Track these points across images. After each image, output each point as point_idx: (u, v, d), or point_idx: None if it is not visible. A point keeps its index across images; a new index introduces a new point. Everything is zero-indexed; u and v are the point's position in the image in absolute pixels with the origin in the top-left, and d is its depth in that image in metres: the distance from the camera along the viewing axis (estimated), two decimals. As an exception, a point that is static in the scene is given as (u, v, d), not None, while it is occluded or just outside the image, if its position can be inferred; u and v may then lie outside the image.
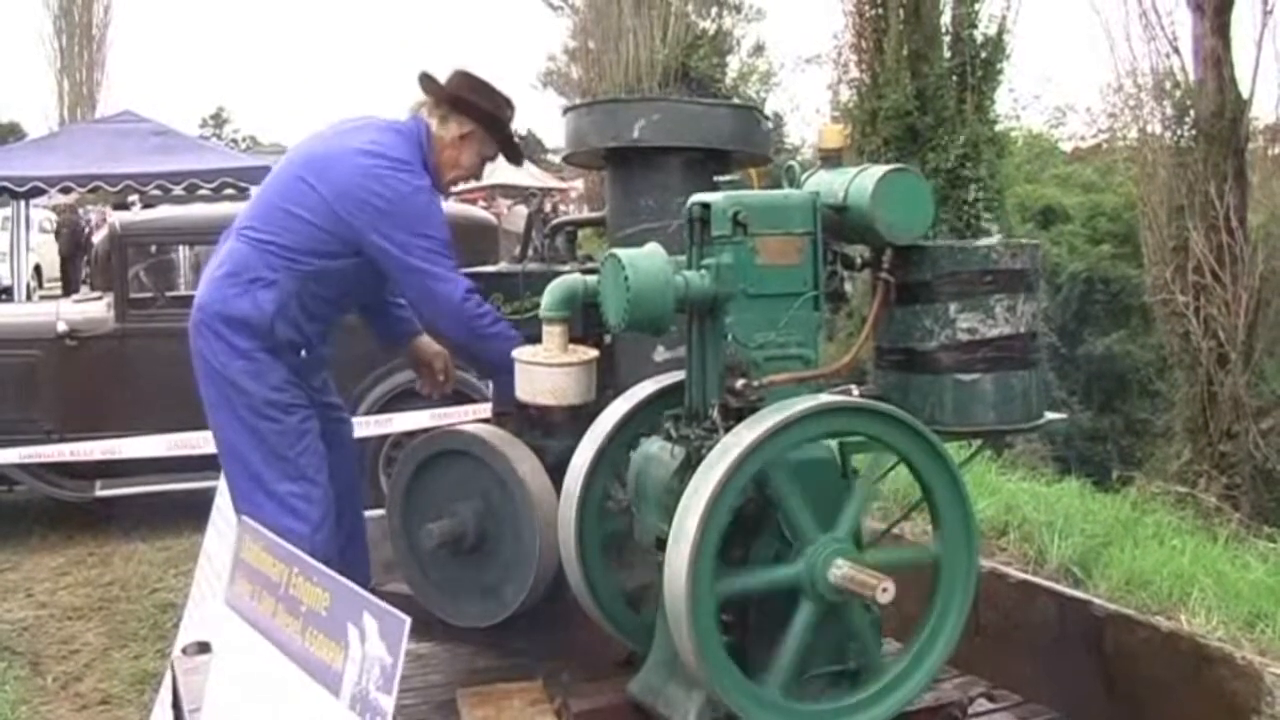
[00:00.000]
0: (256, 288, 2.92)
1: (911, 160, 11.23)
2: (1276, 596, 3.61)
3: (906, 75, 12.20)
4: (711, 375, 2.31)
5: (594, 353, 2.68)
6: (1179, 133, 11.17)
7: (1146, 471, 10.84)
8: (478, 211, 8.22)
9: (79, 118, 26.16)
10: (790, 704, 2.16)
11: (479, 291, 2.93)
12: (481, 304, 2.90)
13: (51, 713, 4.31)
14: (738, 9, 28.41)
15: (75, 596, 5.50)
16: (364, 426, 5.39)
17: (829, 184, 2.42)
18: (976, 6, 12.62)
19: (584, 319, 2.72)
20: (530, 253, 3.18)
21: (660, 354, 2.90)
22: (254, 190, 3.89)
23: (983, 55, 12.47)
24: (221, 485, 3.34)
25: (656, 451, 2.41)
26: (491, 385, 3.15)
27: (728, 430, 2.17)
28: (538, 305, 2.68)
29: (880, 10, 12.58)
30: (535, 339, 2.69)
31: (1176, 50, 11.29)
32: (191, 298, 3.06)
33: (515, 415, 2.93)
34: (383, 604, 1.60)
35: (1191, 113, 10.99)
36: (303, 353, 3.04)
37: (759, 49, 29.06)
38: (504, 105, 3.13)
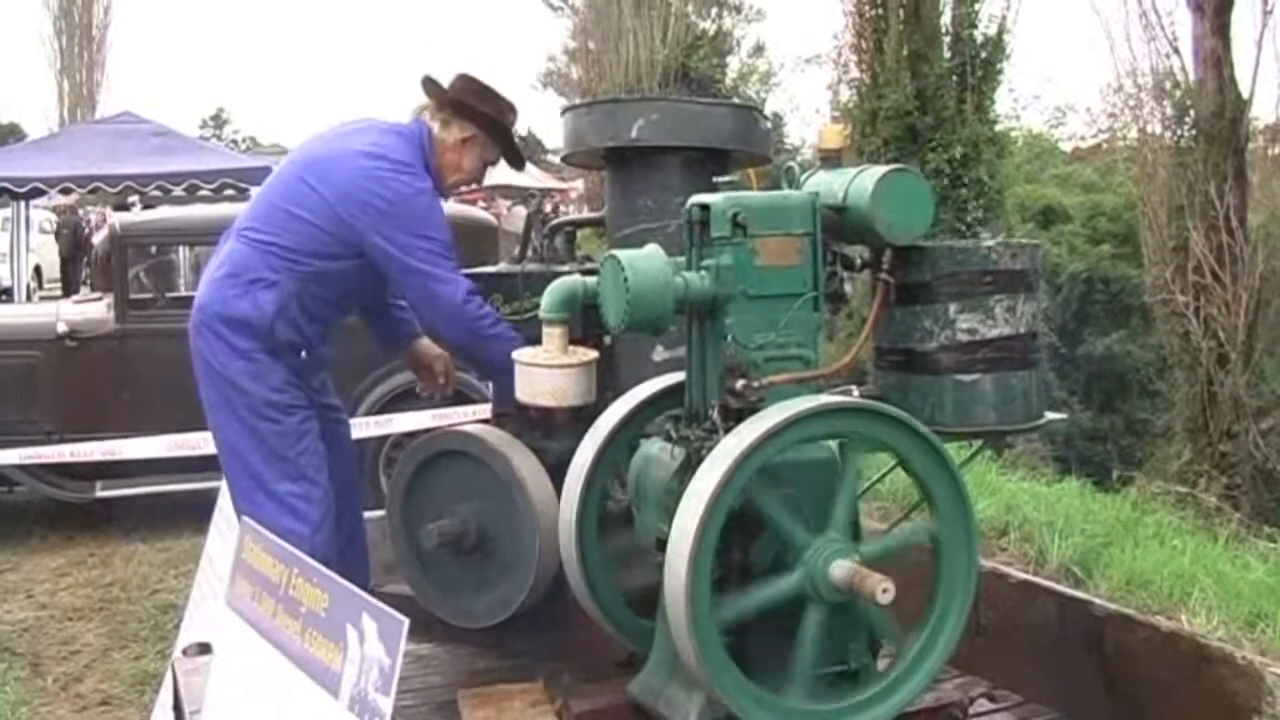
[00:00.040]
0: (257, 288, 2.92)
1: (911, 160, 11.22)
2: (1277, 596, 3.62)
3: (906, 75, 12.20)
4: (711, 376, 2.31)
5: (594, 354, 2.68)
6: (1179, 133, 11.18)
7: (1147, 471, 10.84)
8: (478, 212, 8.22)
9: (79, 118, 26.17)
10: (791, 704, 2.16)
11: (479, 293, 2.93)
12: (482, 306, 2.90)
13: (52, 714, 4.31)
14: (738, 9, 28.43)
15: (76, 597, 5.50)
16: (364, 427, 5.40)
17: (829, 184, 2.42)
18: (976, 6, 12.61)
19: (584, 320, 2.72)
20: (529, 253, 3.18)
21: (660, 354, 2.91)
22: (254, 191, 3.89)
23: (983, 55, 12.46)
24: (224, 486, 3.35)
25: (656, 452, 2.41)
26: (492, 386, 3.15)
27: (728, 431, 2.17)
28: (537, 306, 2.68)
29: (880, 10, 12.57)
30: (535, 340, 2.69)
31: (1176, 50, 11.30)
32: (191, 298, 3.07)
33: (515, 416, 2.93)
34: (381, 605, 1.60)
35: (1191, 113, 10.99)
36: (303, 354, 3.04)
37: (759, 49, 29.10)
38: (506, 110, 3.13)
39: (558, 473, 2.64)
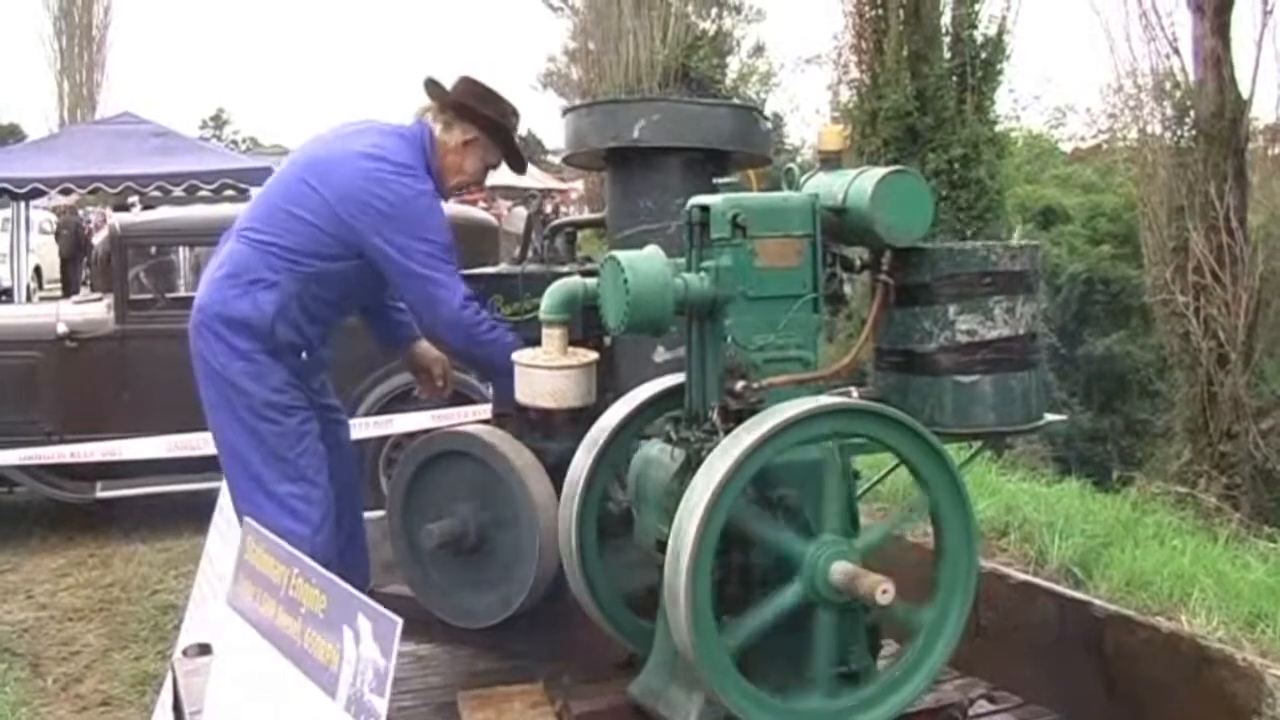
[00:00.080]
0: (257, 289, 2.92)
1: (911, 161, 11.22)
2: (1277, 597, 3.61)
3: (906, 76, 12.19)
4: (711, 377, 2.32)
5: (594, 355, 2.68)
6: (1179, 133, 11.17)
7: (1147, 472, 10.83)
8: (478, 213, 8.21)
9: (79, 119, 26.16)
10: (791, 705, 2.16)
11: (479, 294, 2.94)
12: (479, 311, 2.91)
13: (52, 714, 4.31)
14: (738, 10, 28.43)
15: (76, 598, 5.50)
16: (364, 428, 5.40)
17: (828, 186, 2.43)
18: (976, 7, 12.61)
19: (584, 321, 2.72)
20: (530, 254, 3.18)
21: (660, 354, 2.91)
22: (254, 192, 3.90)
23: (982, 56, 12.46)
24: (224, 487, 3.35)
25: (656, 454, 2.41)
26: (491, 387, 3.16)
27: (727, 432, 2.17)
28: (537, 307, 2.68)
29: (880, 11, 12.56)
30: (535, 341, 2.69)
31: (1176, 51, 11.29)
32: (191, 299, 3.07)
33: (515, 417, 2.93)
34: (376, 606, 1.60)
35: (1191, 113, 10.98)
36: (303, 354, 3.04)
37: (759, 50, 29.10)
38: (509, 113, 3.13)
39: (558, 473, 2.64)
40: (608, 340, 2.88)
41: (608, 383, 2.81)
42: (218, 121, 50.96)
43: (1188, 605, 3.48)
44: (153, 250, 6.73)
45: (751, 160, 3.25)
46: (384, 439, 5.94)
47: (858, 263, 2.49)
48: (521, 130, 3.20)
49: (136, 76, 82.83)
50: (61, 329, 6.28)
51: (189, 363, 3.02)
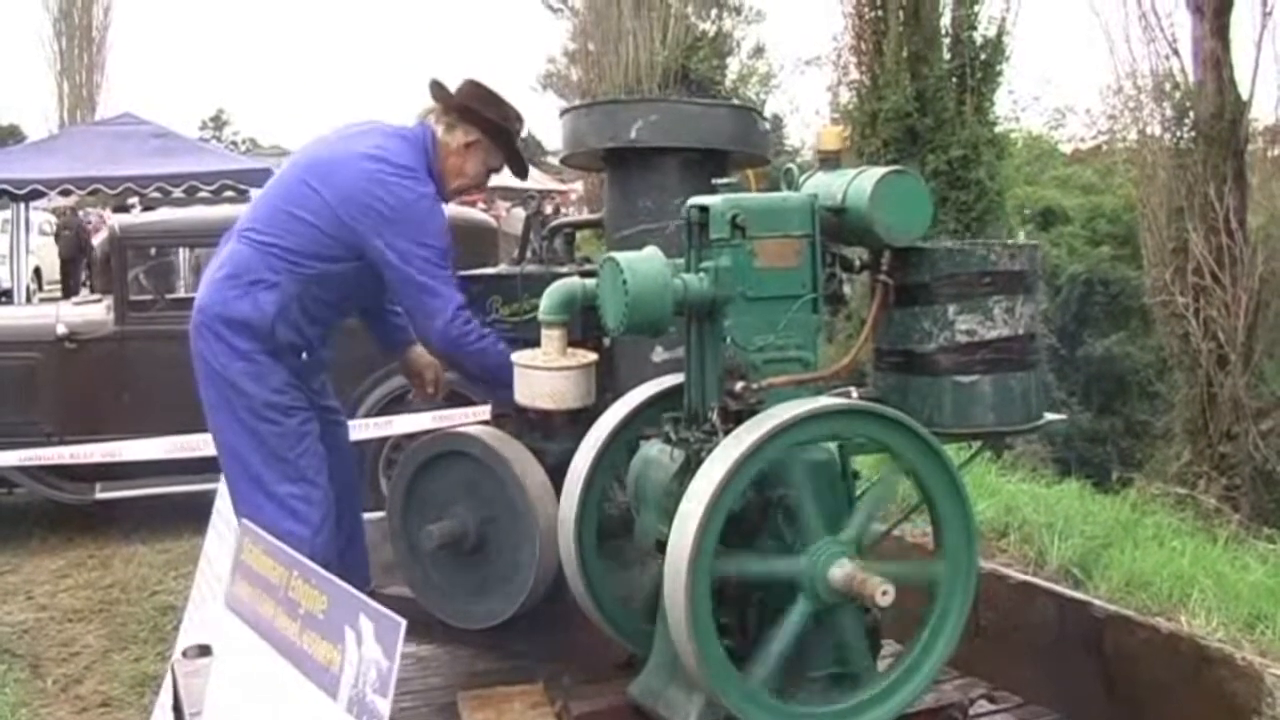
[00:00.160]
0: (258, 290, 2.92)
1: (911, 162, 11.22)
2: (1276, 597, 3.61)
3: (906, 77, 12.18)
4: (710, 378, 2.32)
5: (593, 356, 2.68)
6: (1178, 134, 11.16)
7: (1146, 473, 10.82)
8: (477, 214, 8.21)
9: (79, 120, 26.16)
10: (791, 706, 2.16)
11: (478, 295, 2.94)
12: (469, 321, 2.91)
13: (51, 715, 4.31)
14: (737, 11, 28.43)
15: (75, 599, 5.50)
16: (364, 429, 5.39)
17: (827, 186, 2.43)
18: (976, 8, 12.60)
19: (583, 322, 2.72)
20: (528, 255, 3.18)
21: (659, 355, 2.91)
22: (254, 193, 3.90)
23: (982, 57, 12.45)
24: (222, 488, 3.35)
25: (656, 454, 2.41)
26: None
27: (727, 433, 2.17)
28: (536, 307, 2.68)
29: (880, 12, 12.56)
30: (534, 342, 2.69)
31: (1176, 52, 11.29)
32: (191, 300, 3.07)
33: (515, 418, 2.94)
34: (379, 607, 1.60)
35: (1191, 114, 10.98)
36: (303, 355, 3.04)
37: (759, 51, 29.10)
38: (512, 117, 3.14)
39: (557, 474, 2.64)
40: (607, 341, 2.88)
41: (607, 383, 2.81)
42: (217, 122, 51.03)
43: (1187, 606, 3.48)
44: (152, 251, 6.74)
45: (750, 160, 3.25)
46: (384, 440, 5.93)
47: (857, 263, 2.49)
48: (521, 131, 3.21)
49: (136, 77, 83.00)
50: (61, 330, 6.28)
51: (189, 364, 3.02)
